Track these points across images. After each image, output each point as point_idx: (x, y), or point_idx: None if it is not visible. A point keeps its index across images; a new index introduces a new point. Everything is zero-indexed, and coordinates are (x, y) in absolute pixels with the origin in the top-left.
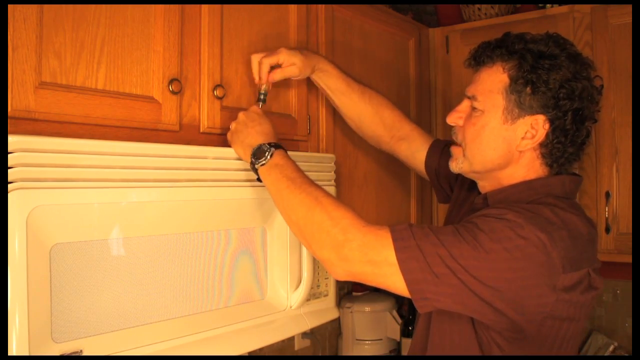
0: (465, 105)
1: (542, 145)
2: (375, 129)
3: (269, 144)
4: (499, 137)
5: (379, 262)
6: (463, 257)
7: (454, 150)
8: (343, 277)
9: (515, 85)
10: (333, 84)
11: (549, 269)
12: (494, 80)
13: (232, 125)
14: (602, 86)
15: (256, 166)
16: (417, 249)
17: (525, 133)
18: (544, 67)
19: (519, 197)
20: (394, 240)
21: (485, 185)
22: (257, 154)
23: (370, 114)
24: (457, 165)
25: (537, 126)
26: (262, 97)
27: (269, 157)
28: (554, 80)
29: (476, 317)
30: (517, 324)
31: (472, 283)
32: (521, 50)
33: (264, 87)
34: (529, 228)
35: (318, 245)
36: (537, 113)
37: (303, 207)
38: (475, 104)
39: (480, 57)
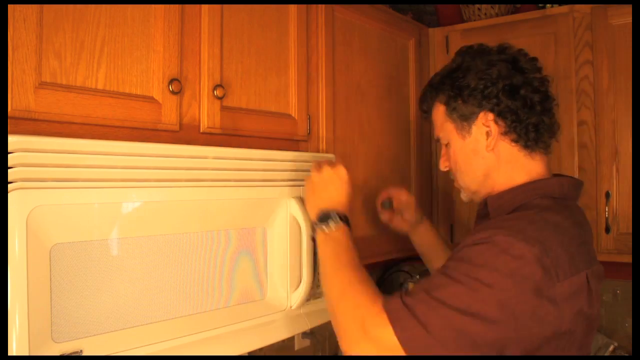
0: (442, 149)
1: (505, 133)
2: None
3: (338, 214)
4: (469, 152)
5: (390, 347)
6: (463, 302)
7: (455, 185)
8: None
9: (450, 106)
10: (426, 249)
11: (547, 281)
12: (437, 114)
13: (314, 175)
14: (529, 56)
15: (317, 228)
16: (417, 326)
17: (486, 134)
18: (458, 77)
19: (515, 201)
20: (393, 324)
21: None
22: (323, 218)
23: None
24: (464, 195)
25: (487, 122)
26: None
27: (332, 227)
28: (472, 80)
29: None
30: (531, 348)
31: (484, 329)
32: (439, 80)
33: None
34: (519, 245)
35: (339, 330)
36: (479, 113)
37: (336, 289)
38: (442, 141)
39: (425, 107)
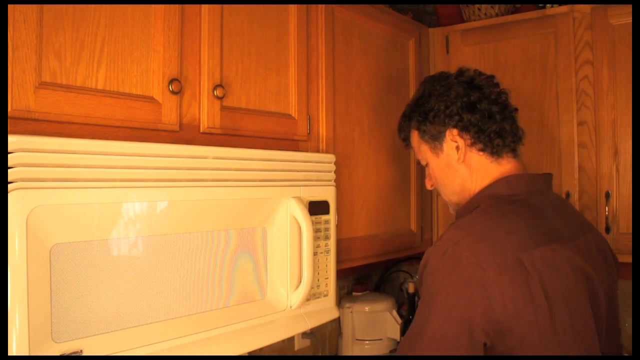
0: (426, 169)
1: (471, 145)
2: None
3: None
4: (444, 167)
5: None
6: (430, 333)
7: (444, 200)
8: None
9: (420, 129)
10: None
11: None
12: (414, 139)
13: None
14: (476, 71)
15: None
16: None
17: (456, 148)
18: (423, 105)
19: (467, 208)
20: None
21: None
22: None
23: None
24: (451, 209)
25: (454, 137)
26: None
27: None
28: (434, 103)
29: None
30: (489, 347)
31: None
32: (409, 110)
33: None
34: (436, 250)
35: None
36: (445, 131)
37: None
38: (422, 162)
39: (403, 136)
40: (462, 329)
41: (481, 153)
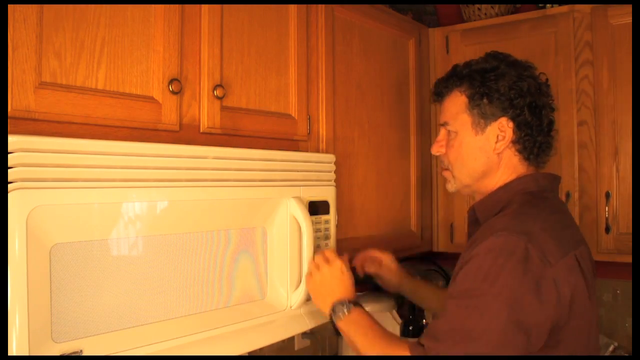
0: (442, 134)
1: (514, 142)
2: None
3: (349, 301)
4: (476, 148)
5: None
6: (477, 324)
7: (445, 174)
8: None
9: (474, 101)
10: (419, 301)
11: (542, 267)
12: (455, 104)
13: (316, 275)
14: (547, 79)
15: (334, 318)
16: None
17: (497, 137)
18: (490, 79)
19: (500, 202)
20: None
21: (479, 198)
22: (337, 309)
23: None
24: (451, 185)
25: (503, 128)
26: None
27: (347, 313)
28: (503, 86)
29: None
30: (544, 345)
31: (505, 338)
32: (468, 73)
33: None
34: (509, 240)
35: None
36: (500, 117)
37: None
38: (449, 128)
39: (439, 91)
40: (522, 331)
41: (517, 154)
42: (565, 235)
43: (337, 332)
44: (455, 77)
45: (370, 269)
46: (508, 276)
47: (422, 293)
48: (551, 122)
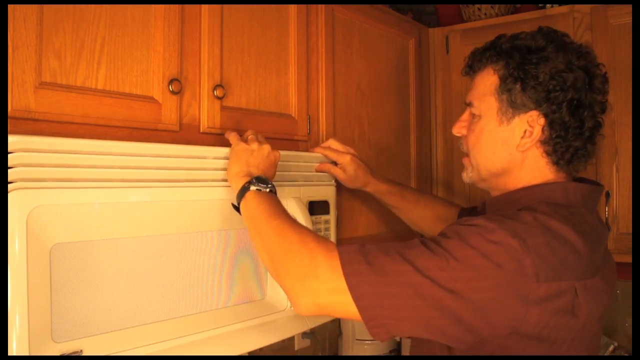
0: (466, 114)
1: (543, 142)
2: (435, 227)
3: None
4: (497, 140)
5: (336, 289)
6: (428, 268)
7: (464, 161)
8: (306, 310)
9: (505, 84)
10: (387, 201)
11: (520, 277)
12: (485, 83)
13: (242, 144)
14: (605, 72)
15: (252, 187)
16: (370, 272)
17: (524, 132)
18: (531, 61)
19: (515, 203)
20: (343, 265)
21: (496, 195)
22: (259, 180)
23: (429, 218)
24: (467, 175)
25: (533, 123)
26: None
27: (269, 188)
28: (543, 73)
29: (437, 339)
30: (482, 338)
31: (440, 296)
32: (508, 49)
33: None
34: (500, 233)
35: (284, 272)
36: (531, 109)
37: (285, 237)
38: (473, 110)
39: (473, 64)
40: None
41: (544, 155)
42: (571, 260)
43: (236, 208)
44: (494, 51)
45: (324, 167)
46: (481, 258)
47: (399, 194)
48: (596, 126)
